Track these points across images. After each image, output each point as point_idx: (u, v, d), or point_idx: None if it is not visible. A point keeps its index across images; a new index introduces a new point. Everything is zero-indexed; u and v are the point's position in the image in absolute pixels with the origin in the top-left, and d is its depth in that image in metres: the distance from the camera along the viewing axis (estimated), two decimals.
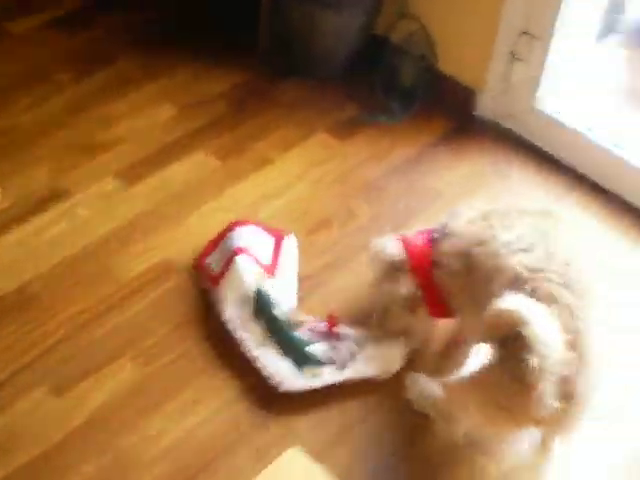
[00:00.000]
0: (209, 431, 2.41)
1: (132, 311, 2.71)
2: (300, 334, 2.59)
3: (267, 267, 2.70)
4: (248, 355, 2.55)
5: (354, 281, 2.80)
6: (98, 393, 2.48)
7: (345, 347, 2.56)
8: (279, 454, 2.32)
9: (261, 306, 2.61)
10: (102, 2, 3.89)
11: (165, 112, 3.39)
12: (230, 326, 2.61)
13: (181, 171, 3.16)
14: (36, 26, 3.80)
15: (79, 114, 3.37)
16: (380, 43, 3.51)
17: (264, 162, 3.21)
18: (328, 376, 2.50)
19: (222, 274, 2.68)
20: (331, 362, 2.53)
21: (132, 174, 3.13)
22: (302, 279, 2.79)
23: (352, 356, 2.55)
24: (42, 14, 3.84)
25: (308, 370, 2.50)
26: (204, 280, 2.77)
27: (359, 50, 3.53)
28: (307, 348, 2.54)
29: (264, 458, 2.33)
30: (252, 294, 2.62)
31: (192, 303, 2.73)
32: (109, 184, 3.09)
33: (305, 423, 2.44)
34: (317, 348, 2.55)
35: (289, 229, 2.90)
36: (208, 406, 2.47)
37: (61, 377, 2.51)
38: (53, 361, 2.54)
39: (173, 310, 2.72)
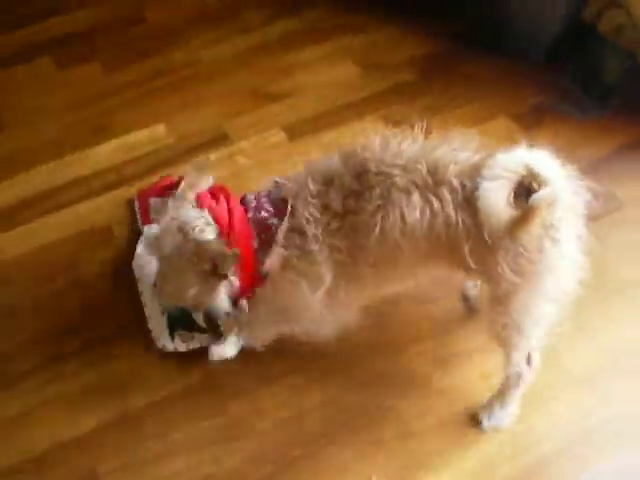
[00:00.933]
0: None
1: None
2: None
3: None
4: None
5: None
6: None
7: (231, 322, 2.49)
8: None
9: None
10: None
11: (347, 71, 3.27)
12: (136, 272, 2.60)
13: (348, 135, 3.03)
14: None
15: (260, 58, 3.32)
16: (585, 31, 3.21)
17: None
18: (196, 342, 2.49)
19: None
20: (204, 332, 2.48)
21: (299, 129, 3.03)
22: None
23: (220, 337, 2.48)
24: None
25: (180, 335, 2.48)
26: (140, 211, 2.75)
27: (561, 35, 3.26)
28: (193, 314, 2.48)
29: None
30: None
31: None
32: (274, 136, 3.01)
33: None
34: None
35: None
36: None
37: None
38: None
39: None
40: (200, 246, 2.06)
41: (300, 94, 3.15)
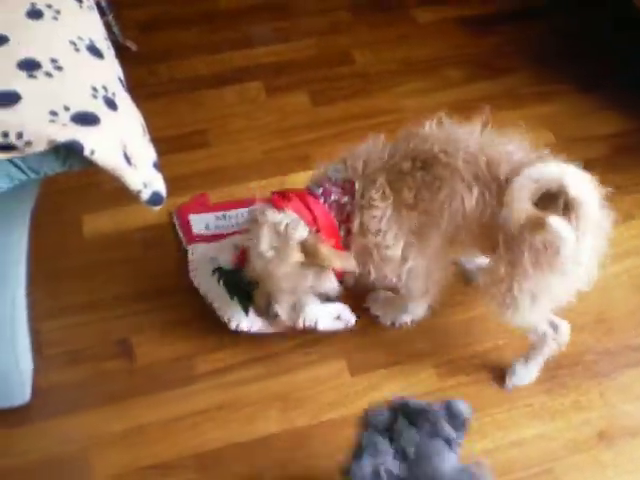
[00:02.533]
0: None
1: None
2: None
3: None
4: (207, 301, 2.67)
5: None
6: None
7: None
8: None
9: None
10: (515, 11, 3.98)
11: (541, 138, 3.25)
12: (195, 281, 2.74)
13: None
14: (442, 19, 3.95)
15: (458, 114, 3.32)
16: None
17: (626, 217, 3.03)
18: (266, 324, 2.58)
19: (202, 238, 2.84)
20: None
21: None
22: None
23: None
24: (450, 8, 3.99)
25: (254, 310, 2.56)
26: (181, 228, 2.91)
27: None
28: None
29: None
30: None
31: None
32: None
33: None
34: None
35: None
36: None
37: None
38: None
39: None
40: (303, 245, 2.30)
41: None
